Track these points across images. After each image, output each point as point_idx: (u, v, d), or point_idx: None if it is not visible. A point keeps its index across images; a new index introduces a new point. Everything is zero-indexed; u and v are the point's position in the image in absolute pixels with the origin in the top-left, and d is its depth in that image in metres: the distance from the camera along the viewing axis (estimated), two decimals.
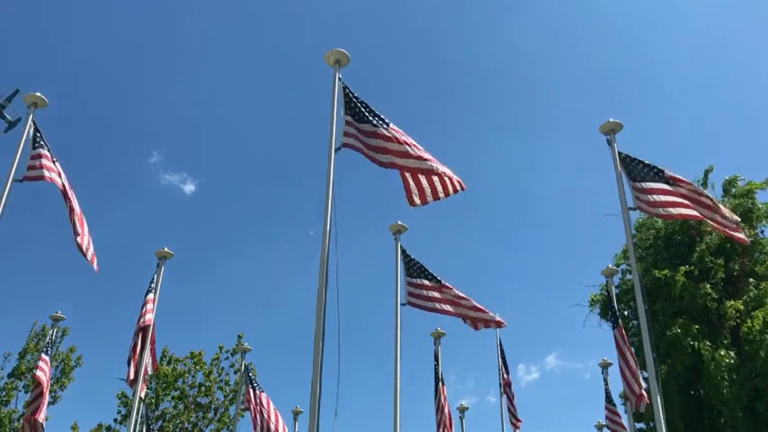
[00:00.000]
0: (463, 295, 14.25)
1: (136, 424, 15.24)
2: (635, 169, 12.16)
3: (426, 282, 14.10)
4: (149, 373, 15.35)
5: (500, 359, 20.98)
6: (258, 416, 17.86)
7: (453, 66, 69.28)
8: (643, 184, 11.98)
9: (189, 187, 59.47)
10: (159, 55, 64.09)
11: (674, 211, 11.88)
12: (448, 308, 14.03)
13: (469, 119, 69.23)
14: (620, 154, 12.38)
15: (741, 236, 12.38)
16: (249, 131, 66.69)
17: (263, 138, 65.06)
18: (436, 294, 14.06)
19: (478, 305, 14.34)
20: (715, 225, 12.07)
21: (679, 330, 21.76)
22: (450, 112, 68.74)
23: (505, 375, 20.60)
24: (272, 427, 17.67)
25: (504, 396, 20.37)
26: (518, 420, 20.14)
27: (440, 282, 14.32)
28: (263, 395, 18.34)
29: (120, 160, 63.19)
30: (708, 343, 21.50)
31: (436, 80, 69.15)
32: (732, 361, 20.69)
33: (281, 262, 56.88)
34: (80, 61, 62.03)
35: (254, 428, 17.83)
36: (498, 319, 14.45)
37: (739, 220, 12.43)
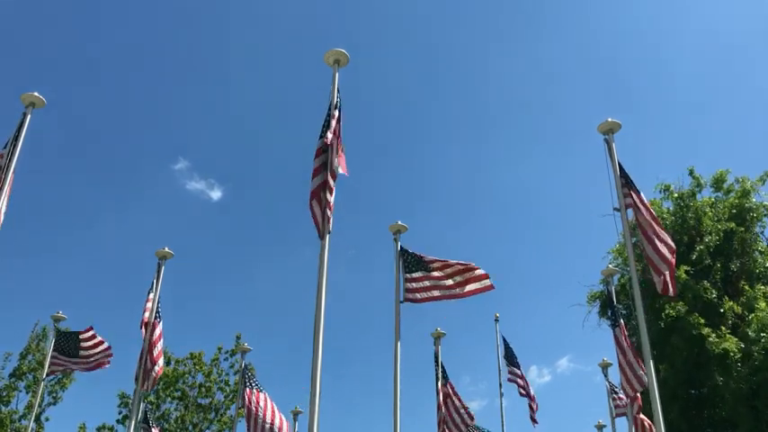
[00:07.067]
0: (452, 266, 13.96)
1: (137, 422, 15.35)
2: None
3: (419, 273, 14.15)
4: (152, 372, 15.33)
5: (504, 358, 21.10)
6: (254, 416, 17.42)
7: (450, 64, 69.37)
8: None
9: (216, 193, 59.41)
10: (179, 62, 63.95)
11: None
12: (437, 293, 14.10)
13: (468, 118, 69.29)
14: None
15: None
16: (272, 134, 66.46)
17: (285, 141, 64.81)
18: (427, 283, 14.10)
19: (469, 269, 13.87)
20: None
21: (681, 310, 21.76)
22: (449, 112, 68.81)
23: (518, 373, 20.62)
24: (268, 425, 17.34)
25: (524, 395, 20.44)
26: (534, 414, 20.24)
27: (431, 268, 14.10)
28: (262, 395, 17.95)
29: (145, 166, 63.03)
30: (710, 329, 21.49)
31: (433, 78, 69.20)
32: (737, 348, 20.57)
33: (296, 265, 56.96)
34: (105, 70, 62.04)
35: (249, 429, 17.45)
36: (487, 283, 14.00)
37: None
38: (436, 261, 14.07)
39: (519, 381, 20.56)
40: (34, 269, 51.43)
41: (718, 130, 60.74)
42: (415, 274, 14.15)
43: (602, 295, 24.52)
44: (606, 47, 66.32)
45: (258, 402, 17.70)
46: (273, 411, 17.65)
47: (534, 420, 20.13)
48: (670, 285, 12.47)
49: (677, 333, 22.19)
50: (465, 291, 13.92)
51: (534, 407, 20.22)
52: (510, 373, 20.78)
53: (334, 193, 10.17)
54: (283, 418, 17.90)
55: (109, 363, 17.76)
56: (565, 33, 66.30)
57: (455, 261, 14.04)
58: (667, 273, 12.48)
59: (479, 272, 13.88)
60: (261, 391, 18.10)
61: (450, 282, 13.95)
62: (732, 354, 20.55)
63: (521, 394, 20.43)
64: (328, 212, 9.93)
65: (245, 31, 65.48)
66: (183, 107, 64.26)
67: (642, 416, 16.34)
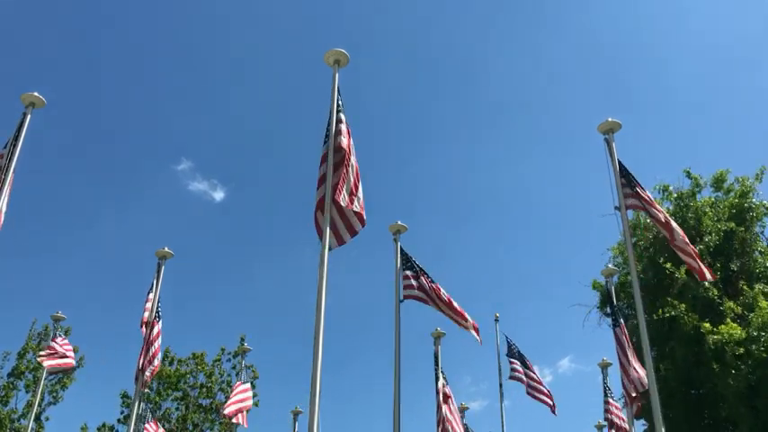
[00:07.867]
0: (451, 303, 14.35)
1: (136, 420, 15.40)
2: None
3: (423, 279, 14.27)
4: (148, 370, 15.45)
5: (506, 356, 21.13)
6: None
7: (450, 64, 69.37)
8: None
9: (218, 194, 59.45)
10: (180, 62, 63.97)
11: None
12: (440, 305, 14.20)
13: (468, 118, 69.27)
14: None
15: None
16: (273, 135, 66.44)
17: (287, 141, 64.80)
18: (434, 293, 14.21)
19: (460, 310, 14.33)
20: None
21: (682, 308, 21.78)
22: (449, 112, 68.82)
23: (534, 377, 20.63)
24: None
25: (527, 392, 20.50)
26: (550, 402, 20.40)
27: (434, 282, 14.43)
28: (238, 382, 19.76)
29: (146, 166, 63.06)
30: (708, 326, 21.52)
31: (433, 78, 69.21)
32: (739, 336, 20.51)
33: (296, 265, 57.14)
34: (108, 74, 62.05)
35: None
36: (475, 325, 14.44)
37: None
38: (433, 284, 14.43)
39: (539, 387, 20.54)
40: (34, 269, 51.53)
41: (718, 130, 60.84)
42: (413, 273, 14.45)
43: (601, 287, 24.65)
44: (606, 47, 66.37)
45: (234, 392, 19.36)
46: (237, 394, 19.05)
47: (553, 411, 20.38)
48: (706, 271, 12.57)
49: (677, 332, 22.19)
50: (450, 315, 14.38)
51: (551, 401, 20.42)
52: (524, 375, 20.71)
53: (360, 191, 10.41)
54: (244, 405, 19.10)
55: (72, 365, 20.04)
56: (565, 33, 66.38)
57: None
58: (698, 261, 12.50)
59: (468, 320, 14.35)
60: (243, 382, 19.75)
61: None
62: (731, 342, 20.45)
63: (534, 397, 20.45)
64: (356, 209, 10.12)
65: (245, 31, 65.54)
66: (184, 107, 64.35)
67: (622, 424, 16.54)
